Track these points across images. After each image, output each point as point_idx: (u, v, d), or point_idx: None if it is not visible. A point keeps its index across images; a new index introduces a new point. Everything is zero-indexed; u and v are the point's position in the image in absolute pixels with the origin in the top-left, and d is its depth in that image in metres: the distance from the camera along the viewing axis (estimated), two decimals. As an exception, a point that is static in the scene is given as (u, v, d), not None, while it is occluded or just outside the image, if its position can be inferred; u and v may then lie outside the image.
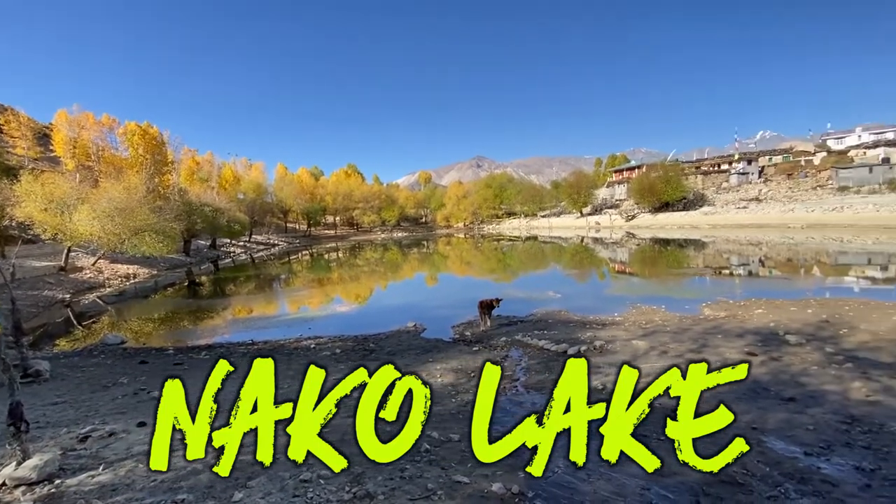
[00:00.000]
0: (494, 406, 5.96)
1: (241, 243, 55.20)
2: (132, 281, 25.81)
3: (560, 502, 3.65)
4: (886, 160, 50.88)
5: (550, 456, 4.52)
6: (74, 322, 15.22)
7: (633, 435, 4.85)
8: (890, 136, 62.15)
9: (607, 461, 4.32)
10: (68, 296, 20.07)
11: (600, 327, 9.97)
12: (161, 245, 25.74)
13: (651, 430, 4.86)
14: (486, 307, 11.03)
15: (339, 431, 5.02)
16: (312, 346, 10.15)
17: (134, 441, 4.61)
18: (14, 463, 3.73)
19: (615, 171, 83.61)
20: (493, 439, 4.95)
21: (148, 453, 4.23)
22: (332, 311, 16.04)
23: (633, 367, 6.66)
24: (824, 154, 61.50)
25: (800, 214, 44.49)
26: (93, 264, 26.59)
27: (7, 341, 4.79)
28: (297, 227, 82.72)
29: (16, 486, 3.53)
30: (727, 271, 20.69)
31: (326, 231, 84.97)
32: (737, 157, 69.15)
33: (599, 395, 6.01)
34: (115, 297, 20.96)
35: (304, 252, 51.89)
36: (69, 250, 24.65)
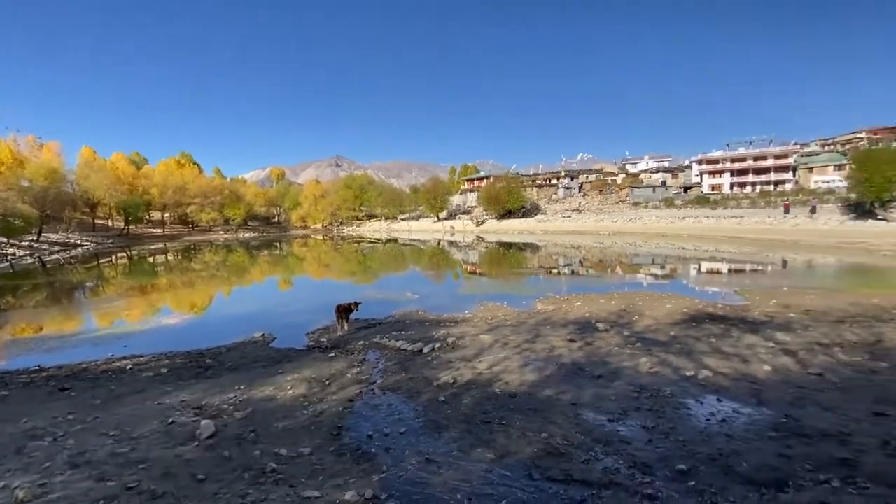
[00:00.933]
0: (349, 412, 5.82)
1: (26, 243, 43.29)
2: None
3: (413, 499, 3.73)
4: (664, 183, 65.62)
5: (404, 454, 4.61)
6: None
7: (480, 423, 5.25)
8: (666, 163, 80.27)
9: (456, 451, 4.59)
10: None
11: (453, 325, 10.58)
12: None
13: (494, 416, 5.34)
14: (344, 311, 10.73)
15: (161, 465, 4.29)
16: (129, 367, 8.49)
17: None
18: None
19: (467, 180, 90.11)
20: (344, 446, 4.83)
21: None
22: (158, 323, 13.67)
23: (480, 359, 7.19)
24: (624, 175, 76.34)
25: (607, 224, 54.29)
26: None
27: None
28: (111, 224, 68.42)
29: None
30: (556, 270, 24.03)
31: (152, 230, 72.16)
32: (563, 173, 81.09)
33: (451, 388, 6.37)
34: None
35: (119, 254, 43.21)
36: None
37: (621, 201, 64.00)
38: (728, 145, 64.43)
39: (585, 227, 55.03)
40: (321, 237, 68.40)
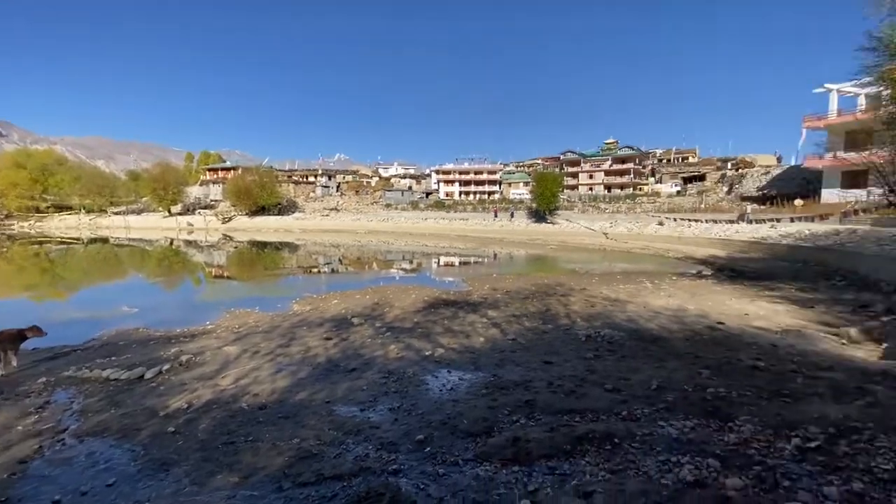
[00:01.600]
0: (19, 477, 4.24)
1: None
2: None
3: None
4: (410, 188, 73.57)
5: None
6: None
7: (222, 446, 4.67)
8: (412, 170, 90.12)
9: (189, 486, 3.95)
10: None
11: (189, 339, 9.03)
12: None
13: (239, 435, 4.85)
14: (8, 340, 7.66)
15: None
16: None
17: None
18: None
19: (209, 170, 78.42)
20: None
21: None
22: None
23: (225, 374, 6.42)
24: (378, 178, 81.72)
25: (364, 223, 57.03)
26: None
27: None
28: None
29: None
30: (315, 269, 23.68)
31: None
32: (321, 172, 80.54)
33: (185, 414, 5.43)
34: None
35: None
36: None
37: (375, 202, 68.24)
38: (457, 160, 77.54)
39: (344, 225, 56.20)
40: (-34, 237, 47.08)
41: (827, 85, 33.20)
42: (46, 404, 6.04)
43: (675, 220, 38.11)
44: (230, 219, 60.18)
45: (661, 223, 37.83)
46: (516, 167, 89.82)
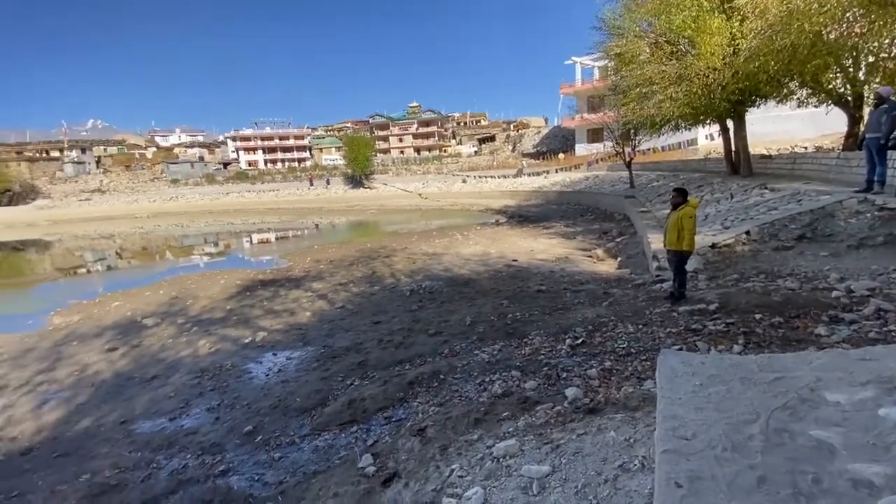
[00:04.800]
0: None
1: None
2: None
3: None
4: (202, 158, 63.20)
5: None
6: None
7: None
8: (201, 138, 77.22)
9: None
10: None
11: None
12: None
13: (-12, 498, 3.70)
14: None
15: None
16: None
17: None
18: None
19: None
20: None
21: None
22: None
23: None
24: (154, 149, 67.54)
25: (144, 205, 47.03)
26: None
27: None
28: None
29: None
30: (84, 269, 18.72)
31: None
32: (67, 144, 62.17)
33: None
34: None
35: None
36: None
37: (157, 178, 56.69)
38: (256, 124, 69.52)
39: (116, 210, 45.30)
40: None
41: (574, 58, 40.92)
42: None
43: (475, 177, 42.65)
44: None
45: (464, 181, 41.89)
46: (326, 131, 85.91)
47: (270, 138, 67.53)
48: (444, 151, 61.73)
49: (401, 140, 65.83)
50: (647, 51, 13.62)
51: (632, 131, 19.71)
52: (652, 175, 22.75)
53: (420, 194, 39.71)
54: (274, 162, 66.12)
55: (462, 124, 72.97)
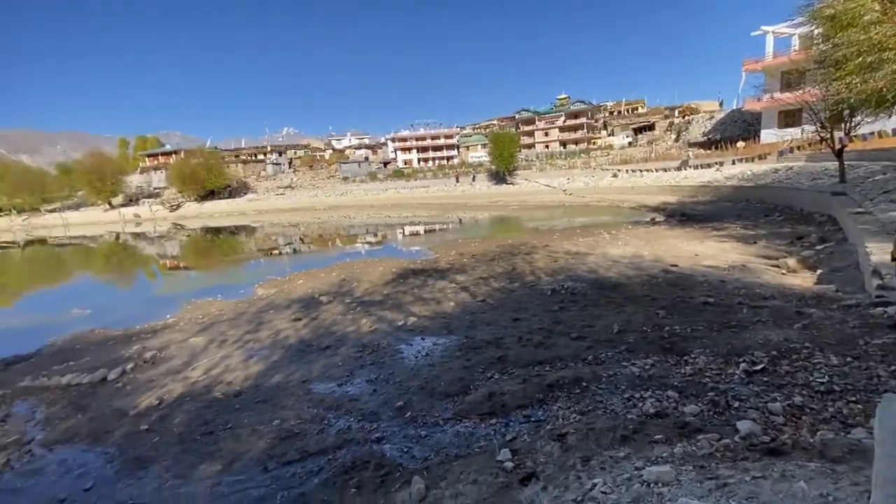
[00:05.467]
0: (-17, 497, 4.08)
1: None
2: None
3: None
4: (367, 158, 71.60)
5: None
6: None
7: (200, 437, 4.62)
8: (367, 140, 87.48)
9: (172, 479, 3.93)
10: None
11: (150, 336, 8.69)
12: None
13: (217, 424, 4.82)
14: None
15: None
16: None
17: None
18: None
19: (148, 156, 73.06)
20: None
21: None
22: None
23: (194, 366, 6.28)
24: (331, 151, 78.93)
25: (322, 199, 55.42)
26: None
27: None
28: None
29: None
30: (277, 251, 23.03)
31: None
32: (269, 149, 76.82)
33: (157, 411, 5.32)
34: None
35: None
36: None
37: (332, 176, 66.19)
38: (412, 126, 75.66)
39: (301, 203, 54.46)
40: None
41: (763, 27, 34.27)
42: (7, 417, 5.74)
43: (628, 171, 39.23)
44: (178, 206, 56.90)
45: (615, 175, 38.89)
46: (473, 130, 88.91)
47: (423, 138, 72.79)
48: (593, 144, 58.27)
49: (546, 134, 64.32)
50: (877, 8, 10.63)
51: (845, 112, 15.69)
52: (874, 166, 17.81)
53: (564, 190, 38.31)
54: (426, 160, 71.18)
55: (615, 114, 67.82)
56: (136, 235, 38.70)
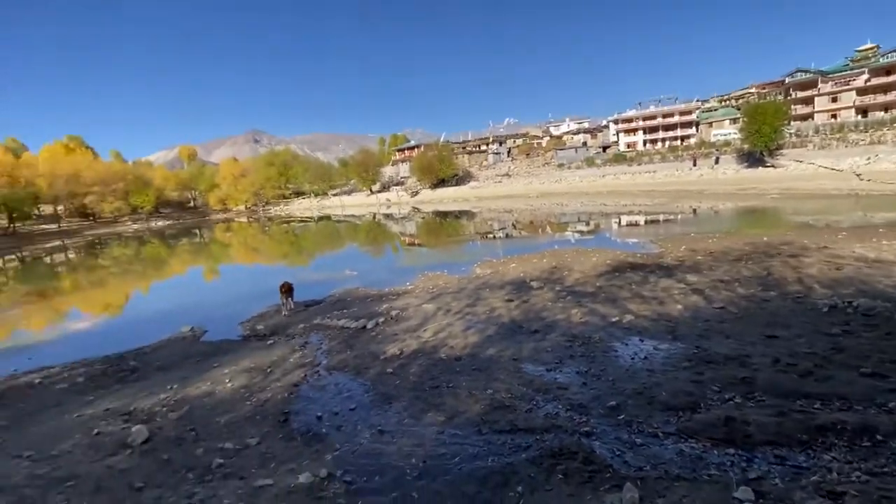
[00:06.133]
0: (295, 396, 5.72)
1: None
2: None
3: (368, 470, 3.80)
4: (585, 143, 68.87)
5: (356, 429, 4.65)
6: None
7: (429, 389, 5.39)
8: (586, 124, 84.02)
9: (408, 419, 4.71)
10: None
11: (395, 298, 10.60)
12: None
13: (442, 381, 5.52)
14: (288, 291, 10.53)
15: (91, 480, 3.99)
16: (38, 381, 7.60)
17: None
18: None
19: (398, 150, 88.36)
20: (294, 431, 4.77)
21: None
22: (67, 329, 12.32)
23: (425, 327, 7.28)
24: (548, 138, 78.96)
25: (536, 186, 56.33)
26: None
27: None
28: (-10, 223, 59.12)
29: None
30: (491, 235, 24.71)
31: (44, 226, 63.49)
32: (491, 139, 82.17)
33: (399, 360, 6.45)
34: None
35: (7, 257, 37.76)
36: None
37: (547, 163, 66.40)
38: (640, 104, 68.49)
39: (516, 190, 56.70)
40: (246, 220, 64.36)
41: None
42: (306, 344, 7.97)
43: None
44: (417, 192, 67.17)
45: (959, 151, 26.63)
46: (719, 102, 74.82)
47: (653, 117, 65.19)
48: (919, 109, 41.18)
49: (834, 100, 48.75)
50: None
51: None
52: None
53: (858, 174, 28.53)
54: (654, 142, 63.77)
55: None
56: (386, 216, 47.48)
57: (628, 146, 65.81)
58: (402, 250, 23.63)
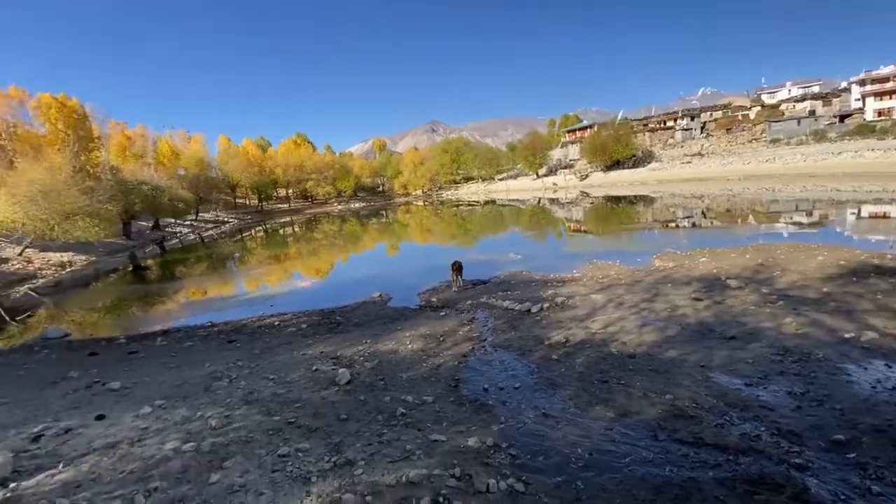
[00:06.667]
0: (464, 366, 6.14)
1: (188, 223, 52.10)
2: (68, 269, 23.89)
3: (532, 449, 3.87)
4: (812, 112, 54.54)
5: (520, 407, 4.77)
6: (6, 318, 14.04)
7: (597, 382, 5.16)
8: (816, 89, 66.38)
9: (573, 408, 4.60)
10: (-6, 290, 18.37)
11: (560, 284, 10.37)
12: (96, 229, 23.85)
13: (612, 376, 5.21)
14: (458, 269, 11.33)
15: (311, 405, 5.02)
16: (276, 323, 9.95)
17: (95, 435, 4.41)
18: (-41, 471, 3.48)
19: (568, 132, 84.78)
20: (463, 397, 5.15)
21: (113, 445, 4.07)
22: (294, 286, 15.69)
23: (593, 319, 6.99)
24: (759, 108, 65.00)
25: (737, 167, 47.30)
26: (19, 254, 24.33)
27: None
28: (248, 202, 78.84)
29: (-35, 496, 3.31)
30: (674, 224, 21.88)
31: (279, 205, 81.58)
32: (680, 114, 71.79)
33: (564, 347, 6.33)
34: (50, 287, 19.40)
35: (256, 228, 49.82)
36: (-11, 241, 22.39)
37: (755, 139, 55.03)
38: (909, 54, 50.69)
39: (709, 172, 48.73)
40: (422, 203, 70.87)
41: None
42: (473, 319, 8.46)
43: None
44: (586, 176, 63.68)
45: None
46: None
47: (929, 71, 47.83)
48: None
49: None
50: None
51: None
52: None
53: None
54: (927, 105, 46.93)
55: None
56: (552, 201, 46.38)
57: (879, 114, 50.16)
58: (568, 236, 22.84)
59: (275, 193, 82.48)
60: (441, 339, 7.36)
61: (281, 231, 44.39)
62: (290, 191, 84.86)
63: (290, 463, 3.67)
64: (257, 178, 71.82)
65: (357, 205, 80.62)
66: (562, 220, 30.52)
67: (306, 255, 24.97)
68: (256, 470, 3.57)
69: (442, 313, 9.19)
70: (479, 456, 3.76)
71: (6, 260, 23.51)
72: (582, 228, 25.16)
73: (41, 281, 21.04)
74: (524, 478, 3.43)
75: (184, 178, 55.78)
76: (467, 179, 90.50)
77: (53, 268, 24.02)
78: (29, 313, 14.60)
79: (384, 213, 58.32)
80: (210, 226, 54.69)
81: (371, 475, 3.43)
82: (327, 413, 4.82)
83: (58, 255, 26.22)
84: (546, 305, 8.41)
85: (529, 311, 8.32)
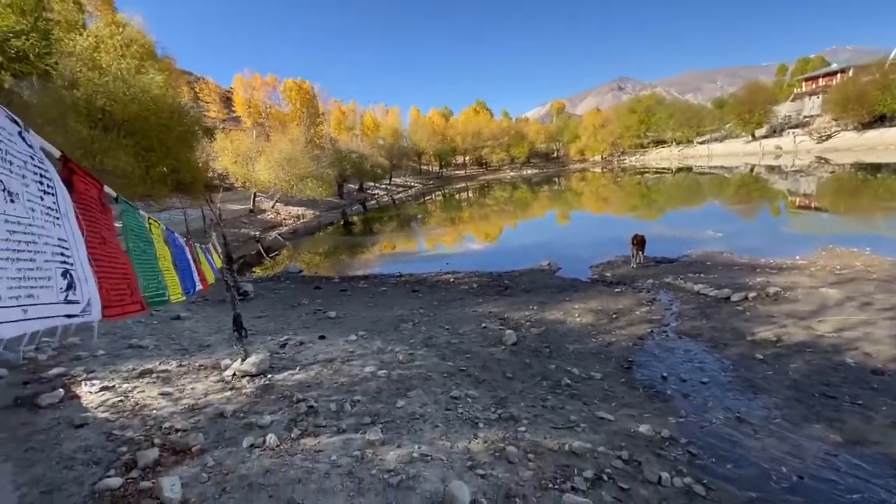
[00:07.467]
0: (639, 349, 5.67)
1: (384, 186, 60.02)
2: (301, 221, 30.44)
3: (719, 454, 3.38)
4: None
5: (706, 405, 4.18)
6: (264, 254, 18.75)
7: (819, 395, 4.17)
8: None
9: (780, 419, 3.82)
10: (257, 233, 24.69)
11: (775, 272, 8.48)
12: (321, 189, 29.51)
13: (843, 392, 4.12)
14: (640, 243, 10.36)
15: (480, 358, 5.36)
16: (451, 280, 10.81)
17: (318, 350, 5.61)
18: (239, 360, 4.88)
19: (806, 80, 66.05)
20: (636, 381, 4.77)
21: (331, 360, 5.10)
22: (466, 248, 16.70)
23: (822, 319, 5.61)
24: None
25: None
26: (272, 207, 31.96)
27: (224, 269, 6.13)
28: (430, 168, 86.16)
29: (242, 377, 4.65)
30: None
31: (457, 171, 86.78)
32: None
33: (773, 347, 5.26)
34: (290, 234, 25.05)
35: (436, 193, 54.22)
36: (255, 195, 29.94)
37: None
38: None
39: None
40: (599, 170, 65.97)
41: None
42: (654, 300, 7.66)
43: None
44: (828, 136, 49.25)
45: None
46: None
47: None
48: None
49: None
50: None
51: None
52: None
53: None
54: None
55: None
56: (770, 168, 37.70)
57: None
58: (791, 213, 18.35)
59: (453, 160, 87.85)
60: (614, 316, 6.91)
61: (456, 196, 47.33)
62: (467, 157, 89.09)
63: (460, 405, 4.02)
64: (440, 146, 77.54)
65: (529, 171, 79.95)
66: (783, 192, 24.59)
67: (478, 219, 26.16)
68: (433, 405, 4.02)
69: (617, 290, 8.57)
70: (651, 445, 3.47)
71: (264, 211, 31.03)
72: (812, 205, 19.86)
73: (284, 228, 27.28)
74: (705, 481, 3.04)
75: (381, 147, 63.86)
76: (658, 143, 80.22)
77: (292, 219, 30.75)
78: (277, 252, 19.16)
79: (556, 180, 56.49)
80: (400, 189, 61.84)
81: (534, 435, 3.51)
82: (494, 368, 5.09)
83: (295, 208, 33.38)
84: (752, 295, 7.03)
85: (728, 298, 7.09)
